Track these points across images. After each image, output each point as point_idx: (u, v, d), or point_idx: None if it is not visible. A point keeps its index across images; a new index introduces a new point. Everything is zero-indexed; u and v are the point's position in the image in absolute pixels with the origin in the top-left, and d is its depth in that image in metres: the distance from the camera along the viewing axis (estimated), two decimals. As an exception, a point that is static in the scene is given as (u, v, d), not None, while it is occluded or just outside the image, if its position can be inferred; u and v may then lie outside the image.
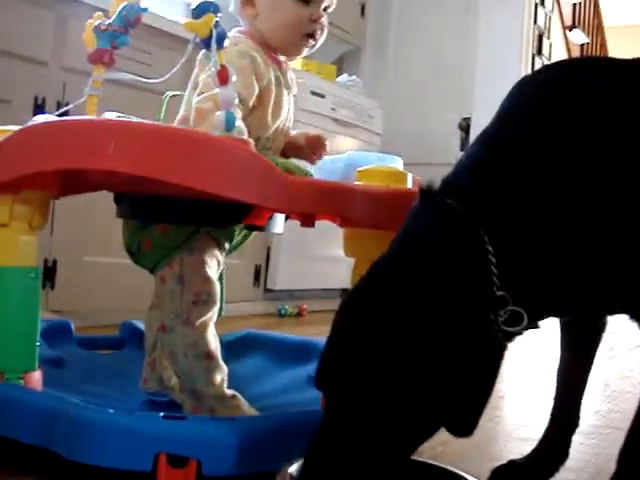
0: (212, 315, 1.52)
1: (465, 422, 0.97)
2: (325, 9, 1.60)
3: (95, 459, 1.14)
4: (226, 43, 1.31)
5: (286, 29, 1.57)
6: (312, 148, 1.68)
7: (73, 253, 2.79)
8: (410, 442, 0.99)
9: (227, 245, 1.58)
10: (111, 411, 1.19)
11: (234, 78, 1.29)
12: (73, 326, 1.99)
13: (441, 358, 0.94)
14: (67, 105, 2.23)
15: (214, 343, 1.51)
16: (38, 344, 1.41)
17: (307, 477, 0.98)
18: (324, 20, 1.60)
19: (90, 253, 2.84)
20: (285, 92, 1.64)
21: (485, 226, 1.00)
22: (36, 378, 1.39)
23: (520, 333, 1.04)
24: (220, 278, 1.71)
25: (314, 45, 1.62)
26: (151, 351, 1.63)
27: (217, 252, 1.55)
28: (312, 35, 1.59)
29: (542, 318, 1.09)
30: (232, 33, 1.55)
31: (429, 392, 0.94)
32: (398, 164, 1.68)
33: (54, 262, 2.71)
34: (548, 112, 1.07)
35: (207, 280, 1.50)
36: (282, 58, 1.64)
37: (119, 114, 1.38)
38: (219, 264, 1.56)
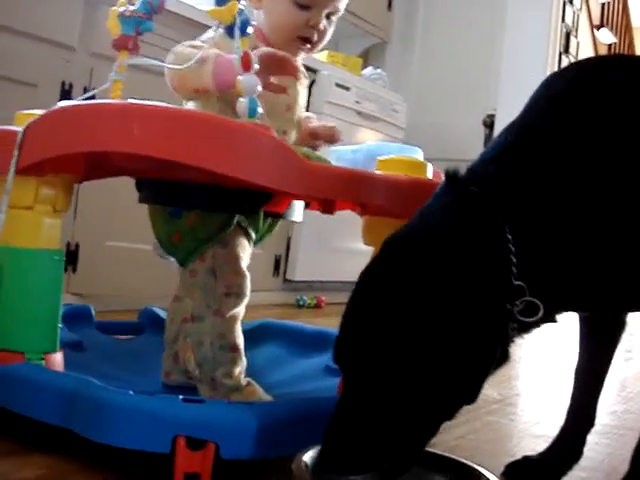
0: (241, 309, 1.54)
1: (469, 392, 0.98)
2: (329, 15, 1.57)
3: (114, 440, 1.16)
4: (250, 30, 1.32)
5: (281, 30, 1.55)
6: (326, 137, 1.66)
7: (95, 237, 2.81)
8: (427, 416, 0.99)
9: (254, 235, 1.59)
10: (131, 393, 1.20)
11: (257, 66, 1.30)
12: (94, 310, 2.01)
13: (451, 337, 0.95)
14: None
15: (240, 336, 1.53)
16: (60, 326, 1.43)
17: (327, 453, 1.00)
18: (324, 26, 1.57)
19: (112, 238, 2.86)
20: (295, 84, 1.61)
21: (506, 214, 1.01)
22: (57, 359, 1.41)
23: (537, 325, 1.04)
24: None
25: (311, 49, 1.60)
26: (172, 343, 1.63)
27: (247, 244, 1.56)
28: (308, 39, 1.57)
29: (559, 311, 1.09)
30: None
31: (441, 366, 0.95)
32: (418, 155, 1.69)
33: (76, 246, 2.73)
34: (576, 107, 1.07)
35: (239, 273, 1.52)
36: None
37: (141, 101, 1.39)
38: (248, 256, 1.58)
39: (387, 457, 0.98)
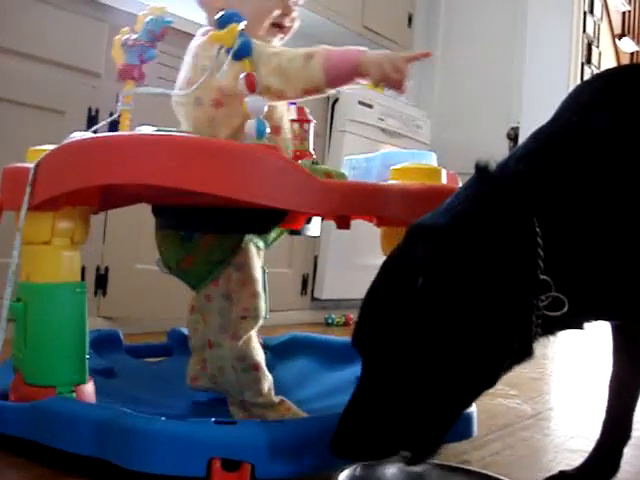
0: (258, 327, 1.53)
1: (487, 378, 0.98)
2: (296, 2, 1.58)
3: (150, 467, 1.16)
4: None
5: (256, 20, 1.52)
6: None
7: (124, 261, 2.83)
8: (446, 402, 0.99)
9: (262, 246, 1.60)
10: (163, 419, 1.20)
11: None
12: (122, 333, 2.02)
13: (470, 322, 0.95)
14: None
15: (259, 354, 1.52)
16: (88, 356, 1.43)
17: (341, 437, 1.00)
18: (294, 13, 1.58)
19: (141, 261, 2.88)
20: None
21: (535, 208, 1.01)
22: (88, 390, 1.41)
23: (562, 326, 1.03)
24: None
25: (283, 37, 1.60)
26: (200, 350, 1.57)
27: (257, 260, 1.55)
28: (280, 26, 1.57)
29: (588, 317, 1.08)
30: (202, 29, 1.53)
31: (459, 350, 0.95)
32: (432, 160, 1.68)
33: (106, 269, 2.76)
34: (605, 113, 1.08)
35: (255, 295, 1.51)
36: None
37: (154, 127, 1.40)
38: (262, 271, 1.57)
39: (403, 443, 0.97)
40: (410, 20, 5.08)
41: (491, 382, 0.98)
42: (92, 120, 2.67)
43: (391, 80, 1.35)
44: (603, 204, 1.03)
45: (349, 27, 4.44)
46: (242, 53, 1.30)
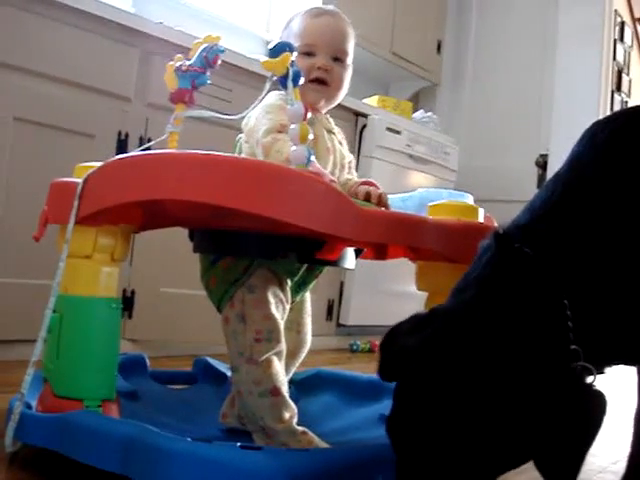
0: (278, 352, 1.52)
1: (563, 472, 0.96)
2: (336, 59, 1.66)
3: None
4: (301, 81, 1.34)
5: None
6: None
7: (151, 284, 2.84)
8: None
9: (289, 281, 1.59)
10: (189, 440, 1.20)
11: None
12: (148, 358, 2.03)
13: (520, 412, 0.94)
14: (149, 140, 2.30)
15: (280, 380, 1.51)
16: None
17: None
18: (330, 66, 1.65)
19: (167, 285, 2.89)
20: (325, 132, 1.67)
21: (561, 280, 1.00)
22: (114, 407, 1.42)
23: None
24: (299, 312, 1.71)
25: (324, 89, 1.66)
26: (234, 387, 1.61)
27: (279, 290, 1.56)
28: (317, 80, 1.65)
29: (610, 366, 1.07)
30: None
31: (511, 446, 0.94)
32: (469, 200, 1.68)
33: (132, 292, 2.77)
34: (622, 158, 1.06)
35: (269, 317, 1.51)
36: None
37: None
38: (283, 303, 1.57)
39: None
40: (439, 47, 5.09)
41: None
42: (122, 144, 2.69)
43: None
44: (626, 266, 1.01)
45: (378, 53, 4.46)
46: (294, 82, 1.32)
